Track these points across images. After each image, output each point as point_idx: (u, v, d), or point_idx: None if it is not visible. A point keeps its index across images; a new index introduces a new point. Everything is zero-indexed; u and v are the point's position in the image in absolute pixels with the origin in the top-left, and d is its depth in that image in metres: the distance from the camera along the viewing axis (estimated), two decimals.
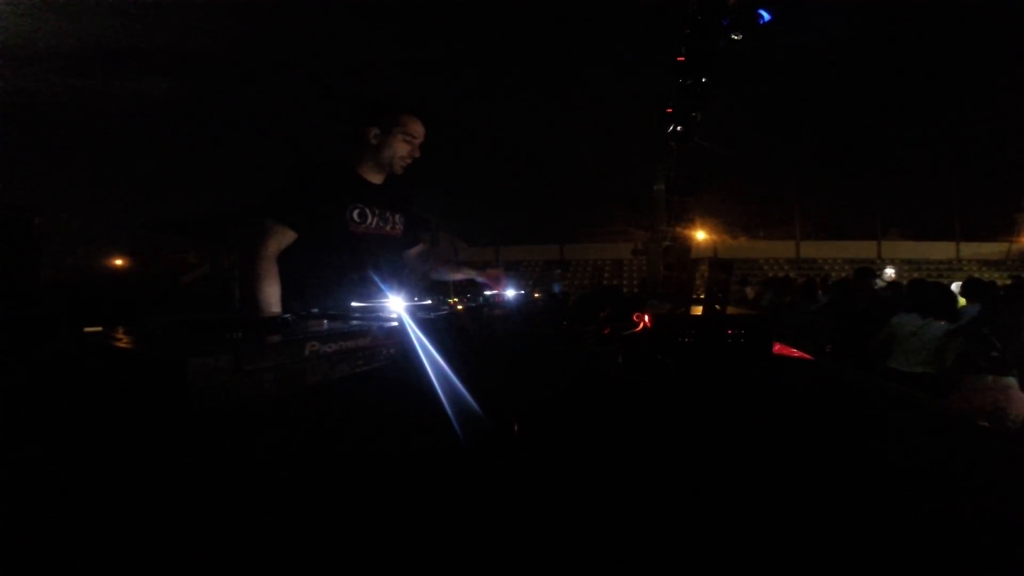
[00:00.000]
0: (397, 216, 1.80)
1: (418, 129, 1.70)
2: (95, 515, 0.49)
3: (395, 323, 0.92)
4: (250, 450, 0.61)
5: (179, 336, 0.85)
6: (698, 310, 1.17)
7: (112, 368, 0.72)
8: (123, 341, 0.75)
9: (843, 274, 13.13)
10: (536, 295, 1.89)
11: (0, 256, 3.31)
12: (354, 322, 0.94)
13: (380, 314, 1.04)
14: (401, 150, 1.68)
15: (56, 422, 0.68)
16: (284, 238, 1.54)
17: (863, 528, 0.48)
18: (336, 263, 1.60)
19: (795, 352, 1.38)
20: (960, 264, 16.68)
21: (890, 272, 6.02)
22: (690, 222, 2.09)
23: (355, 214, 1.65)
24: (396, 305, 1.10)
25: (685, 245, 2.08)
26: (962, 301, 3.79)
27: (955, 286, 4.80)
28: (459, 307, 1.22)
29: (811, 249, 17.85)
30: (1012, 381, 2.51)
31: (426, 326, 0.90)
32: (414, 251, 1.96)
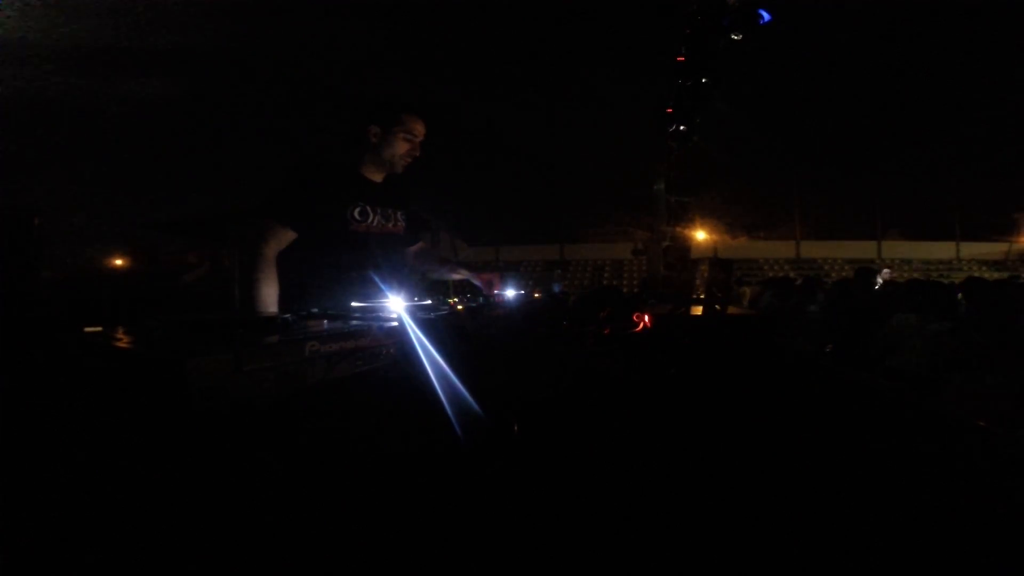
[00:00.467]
0: (399, 214, 1.80)
1: (419, 128, 1.70)
2: (95, 515, 0.49)
3: (395, 323, 0.92)
4: (250, 450, 0.61)
5: (179, 336, 0.84)
6: (698, 310, 1.17)
7: (112, 368, 0.72)
8: (123, 341, 0.75)
9: (843, 274, 13.14)
10: (536, 295, 1.89)
11: (0, 256, 3.31)
12: (354, 322, 0.94)
13: (380, 314, 1.04)
14: (401, 149, 1.68)
15: (56, 422, 0.68)
16: (284, 238, 1.54)
17: (862, 526, 0.48)
18: (338, 261, 1.60)
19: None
20: (960, 264, 16.68)
21: (887, 272, 5.99)
22: (690, 222, 2.10)
23: (356, 212, 1.65)
24: (396, 305, 1.10)
25: (685, 245, 2.08)
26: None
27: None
28: (459, 307, 1.22)
29: (811, 249, 17.84)
30: (1006, 380, 2.51)
31: (426, 326, 0.90)
32: (414, 249, 1.96)
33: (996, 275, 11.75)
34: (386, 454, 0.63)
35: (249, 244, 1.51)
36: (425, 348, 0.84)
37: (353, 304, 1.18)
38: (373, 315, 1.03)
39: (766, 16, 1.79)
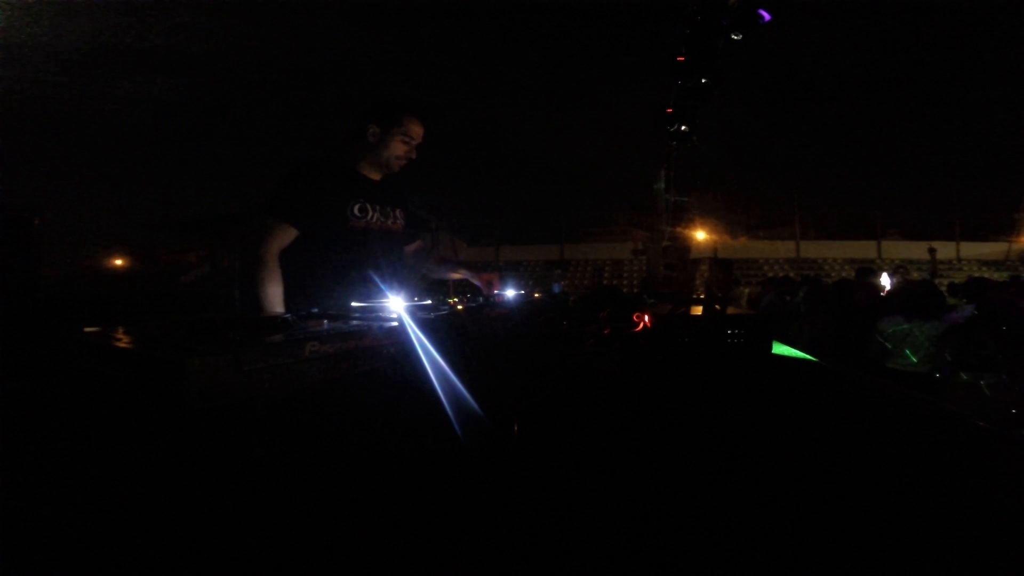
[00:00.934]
0: (398, 211, 1.81)
1: (417, 131, 1.71)
2: (95, 515, 0.49)
3: (395, 323, 0.92)
4: (250, 450, 0.61)
5: (178, 336, 0.84)
6: (698, 310, 1.17)
7: (112, 368, 0.72)
8: (123, 341, 0.75)
9: (843, 274, 13.13)
10: (536, 295, 1.89)
11: (0, 256, 3.31)
12: (354, 322, 0.93)
13: (380, 314, 1.04)
14: (398, 151, 1.69)
15: (56, 422, 0.68)
16: (286, 236, 1.55)
17: (862, 526, 0.48)
18: (338, 258, 1.61)
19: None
20: (960, 264, 16.68)
21: (886, 277, 5.93)
22: (690, 222, 2.10)
23: (356, 209, 1.66)
24: (396, 305, 1.10)
25: (685, 245, 2.08)
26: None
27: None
28: (459, 307, 1.22)
29: (811, 249, 17.85)
30: (1006, 380, 2.51)
31: (426, 326, 0.90)
32: (412, 248, 1.97)
33: (996, 275, 11.75)
34: (386, 454, 0.63)
35: (252, 244, 1.52)
36: (425, 348, 0.84)
37: (353, 304, 1.18)
38: (373, 315, 1.03)
39: (766, 16, 1.79)
